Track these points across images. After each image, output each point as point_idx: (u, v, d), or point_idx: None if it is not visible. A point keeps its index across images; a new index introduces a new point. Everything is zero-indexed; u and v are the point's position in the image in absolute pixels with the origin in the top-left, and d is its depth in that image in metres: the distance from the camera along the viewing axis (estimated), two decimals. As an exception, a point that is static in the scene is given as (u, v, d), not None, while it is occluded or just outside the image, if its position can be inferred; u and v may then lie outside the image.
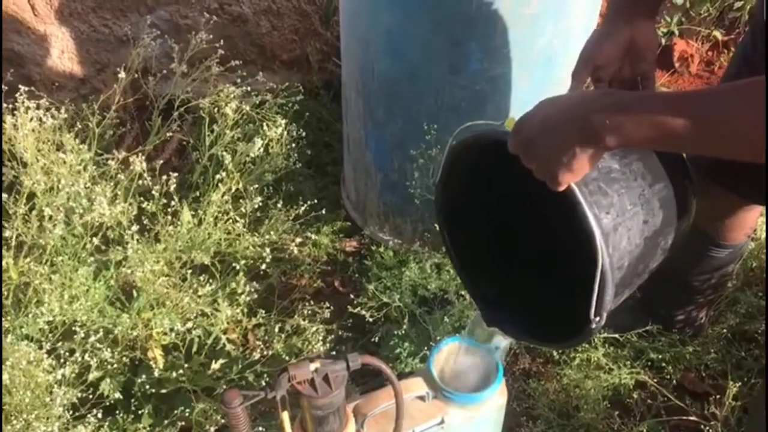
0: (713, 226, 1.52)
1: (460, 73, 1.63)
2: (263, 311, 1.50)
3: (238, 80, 1.36)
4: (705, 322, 1.71)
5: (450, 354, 1.31)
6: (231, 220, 1.41)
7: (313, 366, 1.10)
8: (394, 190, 1.88)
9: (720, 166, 1.29)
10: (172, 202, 1.38)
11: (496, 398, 1.27)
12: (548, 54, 1.68)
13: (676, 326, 1.68)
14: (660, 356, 1.61)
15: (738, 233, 1.53)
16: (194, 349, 1.49)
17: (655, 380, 1.58)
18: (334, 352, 1.53)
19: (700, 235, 1.52)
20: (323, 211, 1.82)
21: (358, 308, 1.63)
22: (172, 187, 1.33)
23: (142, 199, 1.42)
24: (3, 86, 1.64)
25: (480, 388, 1.24)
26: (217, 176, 1.36)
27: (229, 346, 1.50)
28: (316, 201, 1.81)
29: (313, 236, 1.65)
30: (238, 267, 1.43)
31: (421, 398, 1.25)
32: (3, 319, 1.28)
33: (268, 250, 1.42)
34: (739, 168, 0.99)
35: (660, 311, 1.68)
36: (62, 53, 2.29)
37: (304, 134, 1.70)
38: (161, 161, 1.66)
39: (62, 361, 1.30)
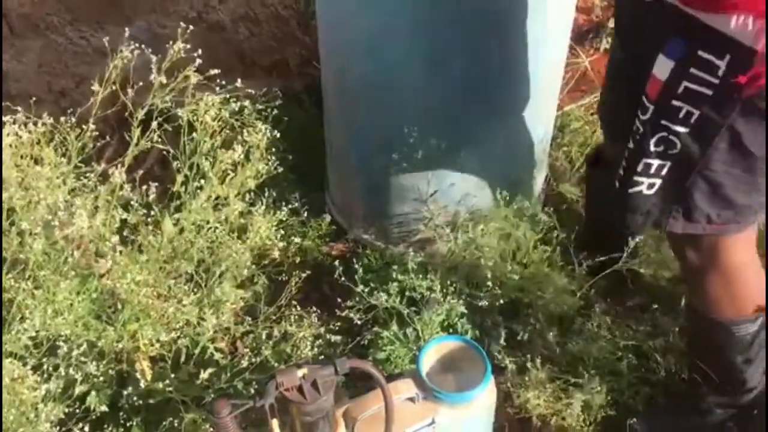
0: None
1: (440, 75, 1.63)
2: (250, 318, 1.50)
3: (217, 88, 1.35)
4: None
5: (438, 354, 1.31)
6: (213, 228, 1.40)
7: (300, 372, 1.10)
8: (378, 192, 1.88)
9: None
10: (152, 212, 1.37)
11: (486, 397, 1.27)
12: (530, 55, 1.68)
13: None
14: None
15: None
16: (182, 359, 1.48)
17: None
18: (322, 357, 1.52)
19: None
20: (308, 216, 1.81)
21: (346, 311, 1.63)
22: (151, 197, 1.32)
23: (123, 210, 1.41)
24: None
25: (469, 387, 1.24)
26: (196, 184, 1.35)
27: (217, 355, 1.49)
28: (300, 205, 1.80)
29: (298, 241, 1.65)
30: (222, 274, 1.43)
31: (411, 400, 1.25)
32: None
33: (250, 255, 1.42)
34: None
35: None
36: (40, 67, 2.28)
37: (286, 139, 1.69)
38: (142, 171, 1.65)
39: (47, 376, 1.28)
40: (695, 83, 1.14)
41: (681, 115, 1.17)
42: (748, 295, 1.37)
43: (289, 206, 1.62)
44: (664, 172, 1.23)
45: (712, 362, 1.45)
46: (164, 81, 1.25)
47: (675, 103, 1.16)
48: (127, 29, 1.61)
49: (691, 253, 1.34)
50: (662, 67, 1.17)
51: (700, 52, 1.11)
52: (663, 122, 1.19)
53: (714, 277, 1.35)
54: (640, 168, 1.24)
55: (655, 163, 1.22)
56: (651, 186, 1.24)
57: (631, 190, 1.26)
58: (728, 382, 1.45)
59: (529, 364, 1.56)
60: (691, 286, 1.43)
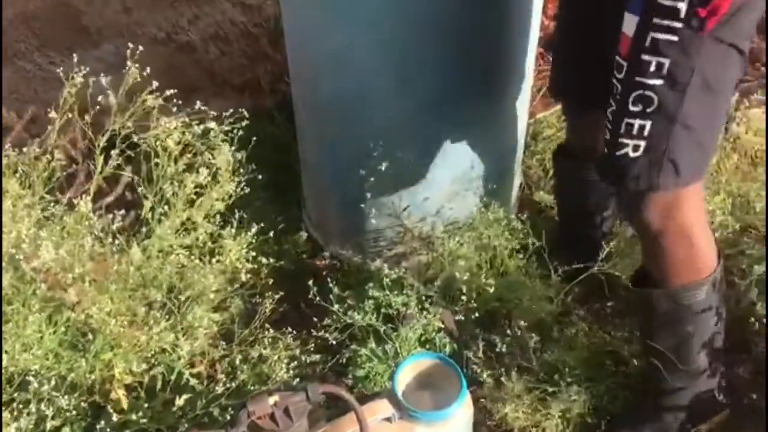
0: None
1: (407, 89, 1.63)
2: (224, 343, 1.48)
3: (180, 112, 1.34)
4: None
5: (414, 372, 1.30)
6: (180, 254, 1.38)
7: (272, 399, 1.09)
8: (353, 208, 1.87)
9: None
10: (117, 241, 1.35)
11: (463, 412, 1.26)
12: (498, 67, 1.69)
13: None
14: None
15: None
16: (158, 386, 1.46)
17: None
18: (299, 379, 1.50)
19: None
20: (284, 233, 1.80)
21: (323, 330, 1.61)
22: (115, 226, 1.30)
23: (90, 239, 1.39)
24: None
25: (446, 405, 1.23)
26: (159, 210, 1.34)
27: (193, 381, 1.47)
28: (276, 223, 1.79)
29: (272, 260, 1.63)
30: (194, 300, 1.41)
31: (388, 420, 1.24)
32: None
33: (222, 280, 1.40)
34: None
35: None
36: (9, 94, 2.26)
37: (259, 158, 1.68)
38: (113, 198, 1.63)
39: (17, 413, 1.26)
40: (660, 32, 1.16)
41: (653, 68, 1.19)
42: (705, 254, 1.39)
43: (262, 225, 1.60)
44: (646, 132, 1.24)
45: (665, 341, 1.45)
46: (116, 106, 1.23)
47: (645, 57, 1.19)
48: (75, 56, 1.60)
49: (651, 216, 1.33)
50: (629, 24, 1.20)
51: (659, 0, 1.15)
52: (637, 79, 1.21)
53: (675, 237, 1.35)
54: (622, 129, 1.25)
55: (636, 123, 1.24)
56: (636, 148, 1.26)
57: (618, 153, 1.27)
58: (683, 360, 1.45)
59: (503, 378, 1.55)
60: (650, 253, 1.42)
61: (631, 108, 1.23)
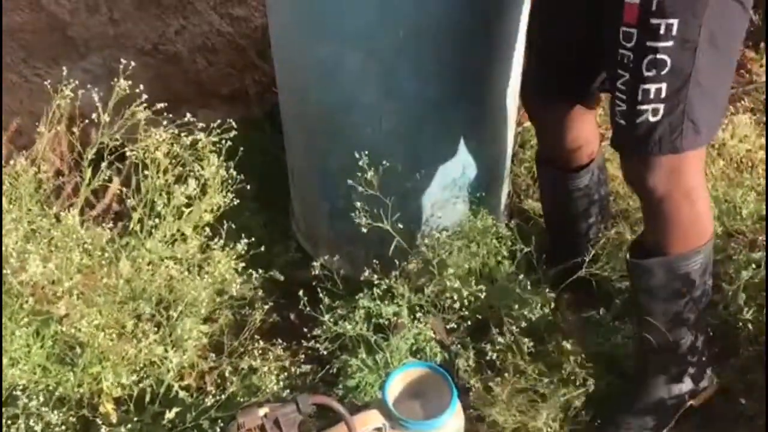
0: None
1: (395, 98, 1.64)
2: (214, 355, 1.47)
3: (166, 123, 1.34)
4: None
5: (404, 381, 1.30)
6: (169, 267, 1.38)
7: (262, 411, 1.09)
8: (342, 217, 1.87)
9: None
10: (106, 254, 1.35)
11: (454, 421, 1.26)
12: (481, 74, 1.69)
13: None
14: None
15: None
16: (147, 399, 1.45)
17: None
18: (289, 390, 1.50)
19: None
20: (273, 243, 1.79)
21: (313, 341, 1.61)
22: (104, 240, 1.30)
23: (79, 252, 1.39)
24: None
25: (436, 414, 1.23)
26: (149, 222, 1.33)
27: (182, 393, 1.46)
28: (265, 234, 1.78)
29: (261, 271, 1.63)
30: (182, 313, 1.40)
31: (379, 430, 1.23)
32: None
33: (210, 292, 1.40)
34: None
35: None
36: (-5, 106, 2.25)
37: (247, 169, 1.67)
38: (101, 210, 1.62)
39: (6, 429, 1.25)
40: None
41: (662, 30, 1.22)
42: (705, 218, 1.43)
43: (253, 238, 1.60)
44: (663, 94, 1.27)
45: (659, 314, 1.47)
46: (107, 119, 1.23)
47: (654, 21, 1.22)
48: (64, 68, 1.59)
49: (657, 180, 1.36)
50: None
51: None
52: (648, 44, 1.24)
53: (678, 201, 1.37)
54: (640, 96, 1.28)
55: (652, 87, 1.27)
56: (656, 112, 1.28)
57: (638, 120, 1.30)
58: (676, 334, 1.48)
59: (492, 383, 1.55)
60: (652, 219, 1.44)
61: (646, 73, 1.26)
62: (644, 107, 1.28)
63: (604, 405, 1.60)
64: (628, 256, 1.50)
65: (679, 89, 1.26)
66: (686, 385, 1.56)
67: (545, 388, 1.54)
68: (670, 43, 1.23)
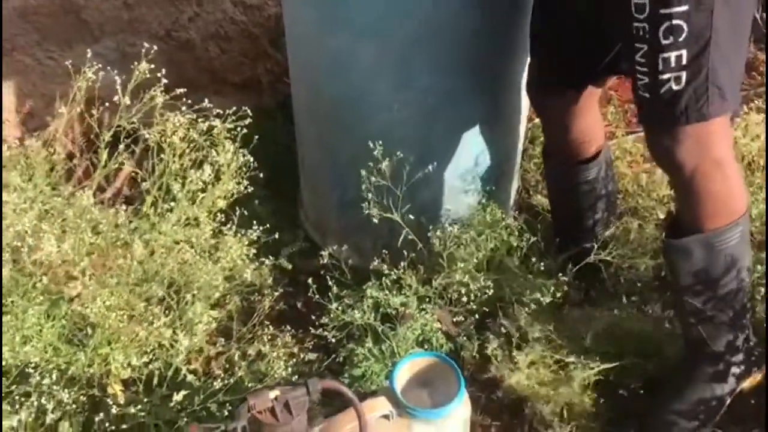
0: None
1: (407, 90, 1.64)
2: (223, 339, 1.48)
3: (183, 108, 1.35)
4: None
5: (412, 370, 1.31)
6: (183, 250, 1.39)
7: (272, 394, 1.10)
8: (351, 207, 1.87)
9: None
10: (121, 235, 1.36)
11: (461, 411, 1.27)
12: (494, 67, 1.70)
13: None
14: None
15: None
16: (155, 381, 1.47)
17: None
18: (297, 377, 1.51)
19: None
20: (282, 232, 1.80)
21: (320, 329, 1.62)
22: (120, 220, 1.31)
23: (92, 233, 1.40)
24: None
25: (444, 403, 1.24)
26: (165, 206, 1.34)
27: (190, 377, 1.47)
28: (274, 222, 1.79)
29: (271, 259, 1.64)
30: (194, 297, 1.41)
31: (386, 417, 1.25)
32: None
33: (221, 278, 1.41)
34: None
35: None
36: (7, 88, 2.25)
37: (258, 156, 1.69)
38: (112, 193, 1.64)
39: (17, 406, 1.26)
40: None
41: None
42: (738, 190, 1.40)
43: (262, 226, 1.61)
44: (684, 61, 1.26)
45: (700, 293, 1.43)
46: (128, 102, 1.24)
47: None
48: (93, 49, 1.61)
49: (684, 154, 1.33)
50: None
51: None
52: (662, 11, 1.23)
53: (708, 173, 1.35)
54: (660, 65, 1.27)
55: (672, 55, 1.26)
56: (678, 80, 1.27)
57: (661, 91, 1.29)
58: (718, 315, 1.44)
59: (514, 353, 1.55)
60: (684, 196, 1.41)
61: (663, 42, 1.25)
62: (666, 76, 1.27)
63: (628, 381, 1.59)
64: (663, 236, 1.47)
65: (700, 54, 1.25)
66: (730, 383, 1.51)
67: (569, 356, 1.54)
68: (684, 8, 1.21)
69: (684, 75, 1.27)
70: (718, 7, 1.23)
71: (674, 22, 1.23)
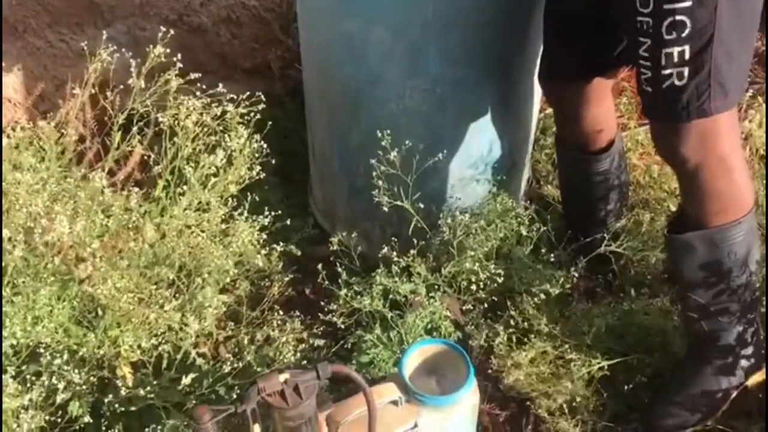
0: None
1: (420, 77, 1.64)
2: (233, 323, 1.49)
3: (198, 93, 1.35)
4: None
5: (421, 357, 1.31)
6: (195, 234, 1.39)
7: (282, 377, 1.10)
8: (361, 195, 1.88)
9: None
10: (132, 218, 1.36)
11: (469, 398, 1.27)
12: (506, 56, 1.69)
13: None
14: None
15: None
16: (164, 364, 1.47)
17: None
18: (305, 362, 1.52)
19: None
20: (291, 219, 1.81)
21: (329, 315, 1.62)
22: (133, 203, 1.31)
23: (103, 215, 1.40)
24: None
25: (452, 390, 1.25)
26: (178, 190, 1.34)
27: (199, 360, 1.48)
28: (283, 209, 1.79)
29: (281, 245, 1.64)
30: (204, 281, 1.42)
31: (394, 403, 1.25)
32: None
33: (232, 262, 1.41)
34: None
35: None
36: (18, 71, 2.26)
37: (268, 143, 1.69)
38: (123, 176, 1.64)
39: (28, 385, 1.27)
40: None
41: None
42: (744, 187, 1.39)
43: (272, 211, 1.61)
44: (686, 56, 1.26)
45: (703, 291, 1.43)
46: (143, 85, 1.24)
47: None
48: (105, 32, 1.61)
49: (689, 149, 1.33)
50: None
51: None
52: (666, 6, 1.23)
53: (713, 169, 1.34)
54: (663, 60, 1.27)
55: (675, 50, 1.26)
56: (681, 75, 1.27)
57: (664, 85, 1.29)
58: (721, 311, 1.44)
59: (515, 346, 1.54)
60: (689, 191, 1.41)
61: (666, 37, 1.25)
62: (668, 71, 1.27)
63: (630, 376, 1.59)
64: (666, 232, 1.47)
65: (702, 50, 1.24)
66: (736, 377, 1.51)
67: (570, 353, 1.54)
68: (688, 4, 1.21)
69: (686, 70, 1.27)
70: (722, 3, 1.22)
71: (678, 17, 1.23)
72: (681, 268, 1.46)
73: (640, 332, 1.65)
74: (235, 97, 1.52)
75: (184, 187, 1.37)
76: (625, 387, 1.60)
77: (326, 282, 1.62)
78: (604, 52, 1.55)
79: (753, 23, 1.31)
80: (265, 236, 1.58)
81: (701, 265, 1.42)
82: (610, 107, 1.71)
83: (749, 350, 1.50)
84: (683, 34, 1.24)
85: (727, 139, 1.35)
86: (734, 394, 1.53)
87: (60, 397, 1.29)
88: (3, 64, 2.16)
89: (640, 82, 1.34)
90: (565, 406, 1.53)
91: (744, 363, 1.51)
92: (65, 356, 1.29)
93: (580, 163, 1.74)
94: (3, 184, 1.36)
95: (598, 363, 1.55)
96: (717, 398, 1.52)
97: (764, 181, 1.83)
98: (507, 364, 1.59)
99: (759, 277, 1.46)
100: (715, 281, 1.42)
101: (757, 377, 1.54)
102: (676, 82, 1.27)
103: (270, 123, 1.65)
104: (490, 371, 1.64)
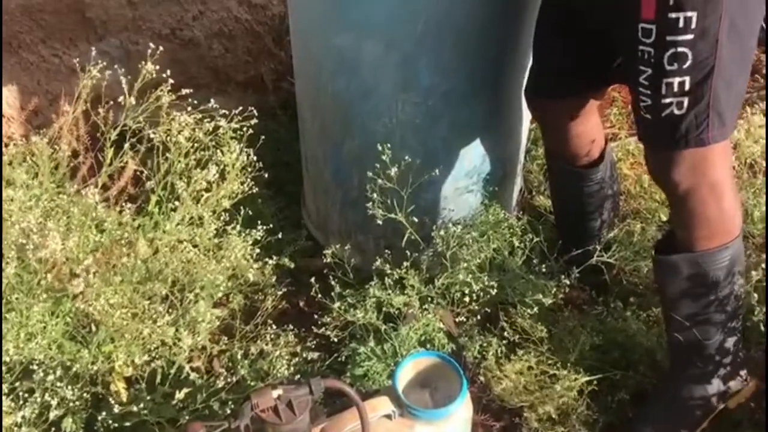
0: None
1: (412, 90, 1.65)
2: (226, 337, 1.49)
3: (189, 108, 1.35)
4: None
5: (415, 370, 1.31)
6: (187, 249, 1.39)
7: (275, 393, 1.10)
8: (354, 207, 1.88)
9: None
10: (125, 233, 1.36)
11: (462, 411, 1.27)
12: (498, 68, 1.70)
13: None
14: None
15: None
16: (158, 379, 1.47)
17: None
18: (299, 376, 1.52)
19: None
20: (284, 232, 1.81)
21: (323, 328, 1.62)
22: (126, 218, 1.31)
23: (96, 231, 1.40)
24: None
25: (446, 403, 1.25)
26: (171, 205, 1.35)
27: (193, 375, 1.48)
28: (276, 222, 1.80)
29: (274, 258, 1.65)
30: (197, 295, 1.42)
31: (388, 417, 1.25)
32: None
33: (223, 277, 1.41)
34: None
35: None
36: (12, 86, 2.26)
37: (261, 155, 1.69)
38: (116, 191, 1.64)
39: (21, 402, 1.27)
40: None
41: (681, 24, 1.23)
42: (733, 213, 1.41)
43: (264, 225, 1.62)
44: (686, 87, 1.28)
45: (687, 311, 1.45)
46: (133, 102, 1.24)
47: (672, 15, 1.22)
48: (97, 47, 1.61)
49: (681, 174, 1.35)
50: None
51: None
52: (668, 38, 1.25)
53: (704, 195, 1.36)
54: (663, 90, 1.29)
55: (675, 81, 1.27)
56: (680, 105, 1.29)
57: (663, 114, 1.30)
58: (704, 333, 1.46)
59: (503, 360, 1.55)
60: (678, 214, 1.43)
61: (668, 67, 1.27)
62: (668, 100, 1.28)
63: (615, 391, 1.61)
64: (653, 252, 1.49)
65: (703, 81, 1.26)
66: (715, 386, 1.53)
67: (557, 369, 1.55)
68: (690, 36, 1.23)
69: (686, 101, 1.28)
70: (723, 37, 1.24)
71: (679, 49, 1.24)
72: (665, 288, 1.50)
73: (623, 349, 1.67)
74: (228, 111, 1.52)
75: (177, 203, 1.37)
76: (610, 401, 1.61)
77: (320, 295, 1.62)
78: (594, 73, 1.57)
79: (751, 50, 1.33)
80: (258, 250, 1.58)
81: (684, 285, 1.45)
82: (597, 123, 1.73)
83: (730, 360, 1.52)
84: (684, 66, 1.26)
85: (719, 167, 1.36)
86: (720, 404, 1.55)
87: (53, 414, 1.29)
88: (-2, 80, 2.16)
89: (638, 107, 1.36)
90: (557, 417, 1.54)
91: (725, 375, 1.53)
92: (58, 372, 1.29)
93: (571, 175, 1.75)
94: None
95: (584, 378, 1.56)
96: (697, 414, 1.55)
97: (753, 191, 1.84)
98: (497, 375, 1.59)
99: (741, 292, 1.48)
100: (696, 298, 1.45)
101: (736, 399, 1.56)
102: (676, 111, 1.29)
103: (263, 136, 1.66)
104: (483, 382, 1.64)
